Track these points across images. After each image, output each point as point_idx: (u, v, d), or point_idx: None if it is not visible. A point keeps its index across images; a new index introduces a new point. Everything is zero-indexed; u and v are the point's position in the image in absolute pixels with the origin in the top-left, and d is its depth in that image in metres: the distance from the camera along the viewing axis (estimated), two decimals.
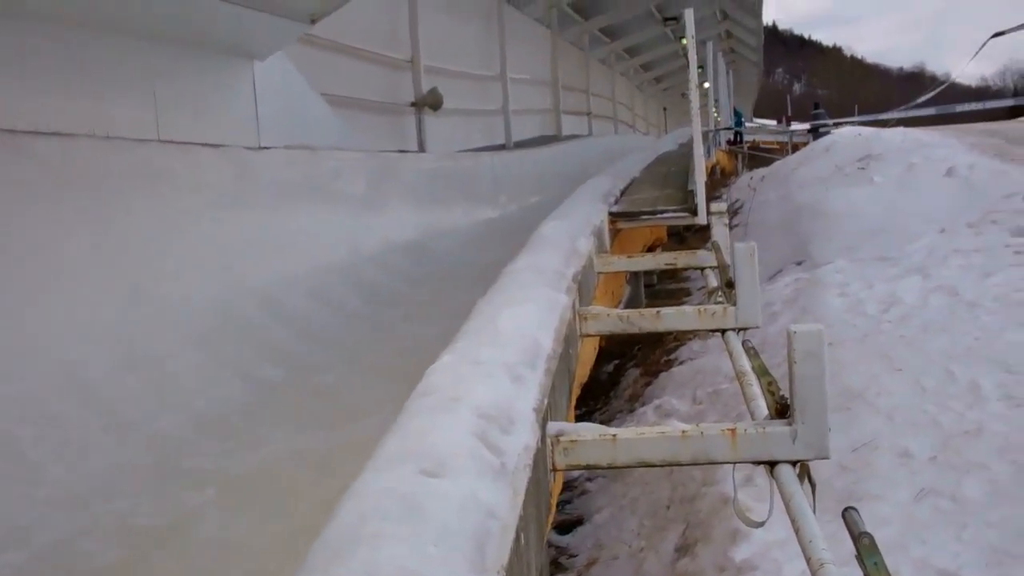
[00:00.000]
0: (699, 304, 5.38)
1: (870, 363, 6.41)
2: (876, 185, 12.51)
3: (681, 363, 8.35)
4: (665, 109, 48.18)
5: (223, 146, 6.44)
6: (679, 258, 6.79)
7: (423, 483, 1.91)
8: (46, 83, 5.03)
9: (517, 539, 1.96)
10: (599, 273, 6.45)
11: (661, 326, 4.82)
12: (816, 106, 32.76)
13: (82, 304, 4.84)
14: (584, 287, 5.29)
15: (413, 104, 11.65)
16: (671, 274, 12.82)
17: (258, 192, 6.75)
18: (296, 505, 3.72)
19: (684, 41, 8.32)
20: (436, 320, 5.61)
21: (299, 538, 1.86)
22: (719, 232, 6.82)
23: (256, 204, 6.68)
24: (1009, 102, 46.86)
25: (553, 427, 2.85)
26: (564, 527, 5.93)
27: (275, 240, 6.76)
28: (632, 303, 10.49)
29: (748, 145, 36.19)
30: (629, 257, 7.43)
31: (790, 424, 2.72)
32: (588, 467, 2.94)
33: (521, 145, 16.61)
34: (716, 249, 6.26)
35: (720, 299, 5.14)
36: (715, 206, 7.37)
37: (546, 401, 2.84)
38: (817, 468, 2.78)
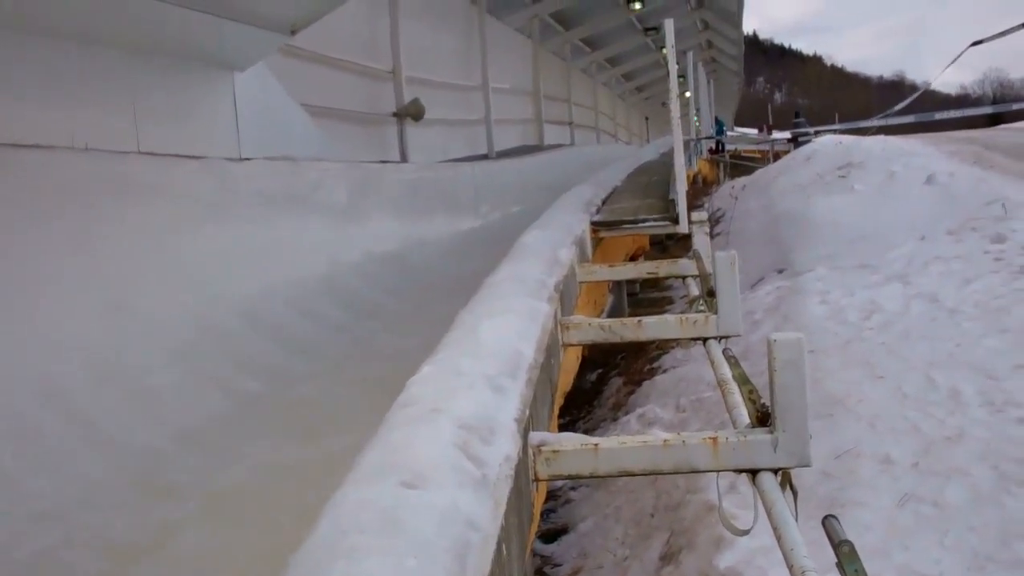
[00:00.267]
0: (681, 313, 5.39)
1: (852, 370, 6.43)
2: (857, 193, 12.57)
3: (664, 372, 8.35)
4: (647, 118, 48.29)
5: (203, 157, 6.41)
6: (661, 267, 6.80)
7: (403, 495, 1.90)
8: (24, 95, 5.00)
9: (499, 550, 1.96)
10: (581, 282, 6.45)
11: (643, 335, 4.82)
12: (797, 115, 32.83)
13: (61, 317, 4.80)
14: (566, 296, 5.28)
15: (395, 114, 11.64)
16: (654, 283, 12.85)
17: (239, 203, 6.72)
18: (276, 518, 3.70)
19: (665, 51, 8.33)
20: (417, 331, 5.60)
21: (279, 551, 1.85)
22: (700, 241, 6.84)
23: (237, 215, 6.66)
24: (988, 109, 47.15)
25: (535, 437, 2.85)
26: (548, 536, 5.92)
27: (256, 251, 6.73)
28: (615, 312, 10.50)
29: (730, 154, 36.33)
30: (611, 266, 7.43)
31: (771, 432, 2.72)
32: (570, 477, 2.94)
33: (503, 155, 16.62)
34: (697, 258, 6.27)
35: (702, 308, 5.14)
36: (696, 215, 7.39)
37: (528, 411, 2.83)
38: (800, 475, 2.79)
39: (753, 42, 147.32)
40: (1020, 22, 17.13)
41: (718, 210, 16.83)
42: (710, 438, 2.78)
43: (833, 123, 39.62)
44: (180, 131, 6.28)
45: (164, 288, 5.64)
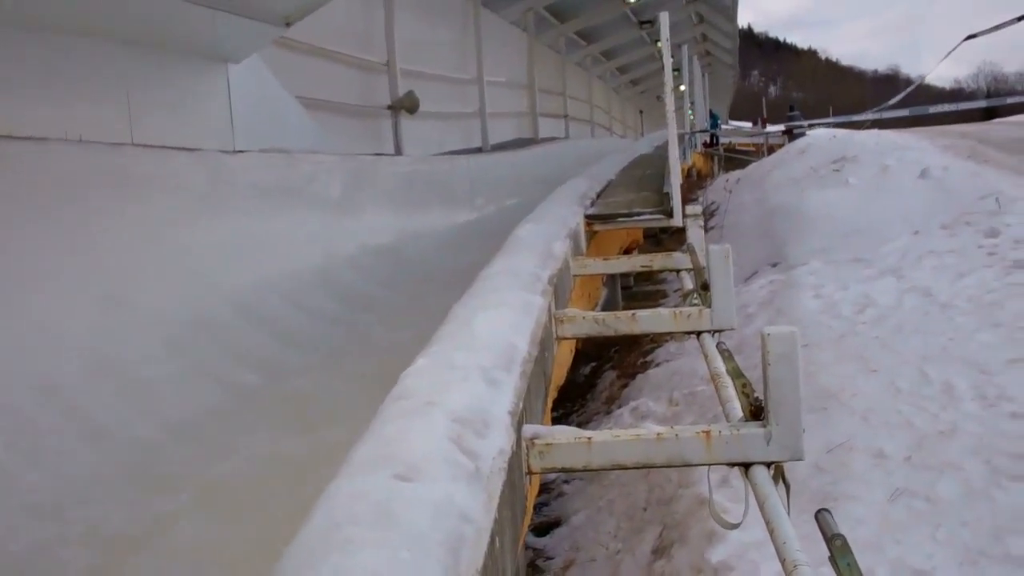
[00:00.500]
0: (675, 306, 5.39)
1: (845, 364, 6.44)
2: (851, 187, 12.59)
3: (657, 365, 8.36)
4: (641, 112, 48.25)
5: (198, 150, 6.41)
6: (655, 260, 6.80)
7: (396, 488, 1.90)
8: (19, 87, 4.99)
9: (492, 543, 1.96)
10: (575, 276, 6.46)
11: (637, 328, 4.82)
12: (791, 108, 32.94)
13: (55, 309, 4.80)
14: (560, 290, 5.29)
15: (389, 107, 11.62)
16: (648, 276, 12.85)
17: (233, 196, 6.72)
18: (270, 510, 3.70)
19: (660, 44, 8.33)
20: (411, 324, 5.60)
21: (273, 543, 1.85)
22: (695, 234, 6.84)
23: (231, 208, 6.65)
24: (982, 103, 47.21)
25: (528, 430, 2.85)
26: (541, 529, 5.92)
27: (250, 244, 6.72)
28: (609, 305, 10.50)
29: (724, 147, 36.35)
30: (605, 259, 7.43)
31: (764, 426, 2.73)
32: (563, 470, 2.94)
33: (498, 148, 16.61)
34: (691, 251, 6.28)
35: (695, 301, 5.15)
36: (691, 208, 7.40)
37: (521, 404, 2.84)
38: (792, 469, 2.79)
39: (748, 35, 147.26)
40: (1014, 16, 17.14)
41: (712, 204, 16.84)
42: (703, 432, 2.79)
43: (828, 117, 39.67)
44: (174, 123, 6.27)
45: (158, 280, 5.63)
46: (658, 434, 2.82)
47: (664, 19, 7.92)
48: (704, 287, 4.85)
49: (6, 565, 3.37)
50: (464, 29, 16.06)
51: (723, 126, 46.53)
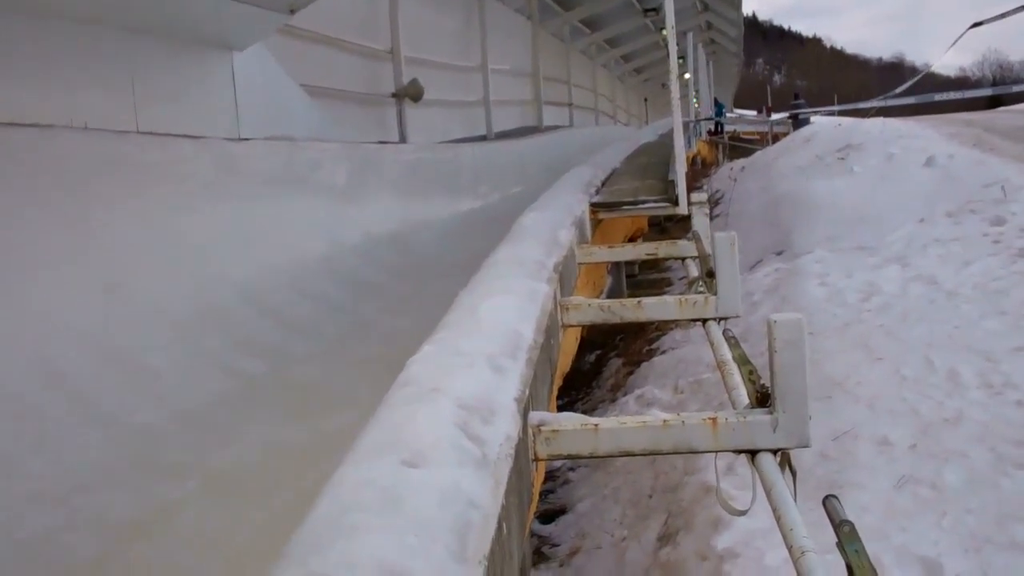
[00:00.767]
0: (680, 294, 5.39)
1: (850, 352, 6.44)
2: (856, 175, 12.57)
3: (663, 352, 8.37)
4: (646, 100, 48.17)
5: (202, 137, 6.40)
6: (660, 248, 6.79)
7: (403, 474, 1.90)
8: (23, 75, 4.98)
9: (499, 529, 1.96)
10: (580, 263, 6.45)
11: (643, 316, 4.81)
12: (796, 96, 32.87)
13: (59, 297, 4.80)
14: (565, 277, 5.28)
15: (394, 95, 11.59)
16: (652, 264, 12.85)
17: (238, 183, 6.71)
18: (277, 497, 3.71)
19: (664, 32, 8.30)
20: (417, 311, 5.60)
21: (279, 530, 1.85)
22: (700, 222, 6.82)
23: (236, 195, 6.64)
24: (988, 91, 47.06)
25: (535, 417, 2.85)
26: (547, 516, 5.93)
27: (255, 232, 6.71)
28: (614, 293, 10.50)
29: (729, 135, 36.30)
30: (610, 247, 7.43)
31: (771, 413, 2.73)
32: (570, 456, 2.94)
33: (502, 136, 16.57)
34: (697, 239, 6.27)
35: (701, 289, 5.15)
36: (696, 196, 7.38)
37: (527, 391, 2.83)
38: (798, 456, 2.79)
39: (752, 23, 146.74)
40: (1020, 4, 17.03)
41: (717, 192, 16.83)
42: (710, 418, 2.78)
43: (832, 105, 39.57)
44: (179, 111, 6.26)
45: (163, 268, 5.63)
46: (664, 421, 2.82)
47: (669, 6, 7.91)
48: (709, 274, 4.84)
49: (12, 553, 3.37)
50: (468, 17, 16.01)
51: (728, 114, 46.44)
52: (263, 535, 3.29)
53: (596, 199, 9.10)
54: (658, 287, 11.98)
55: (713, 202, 15.09)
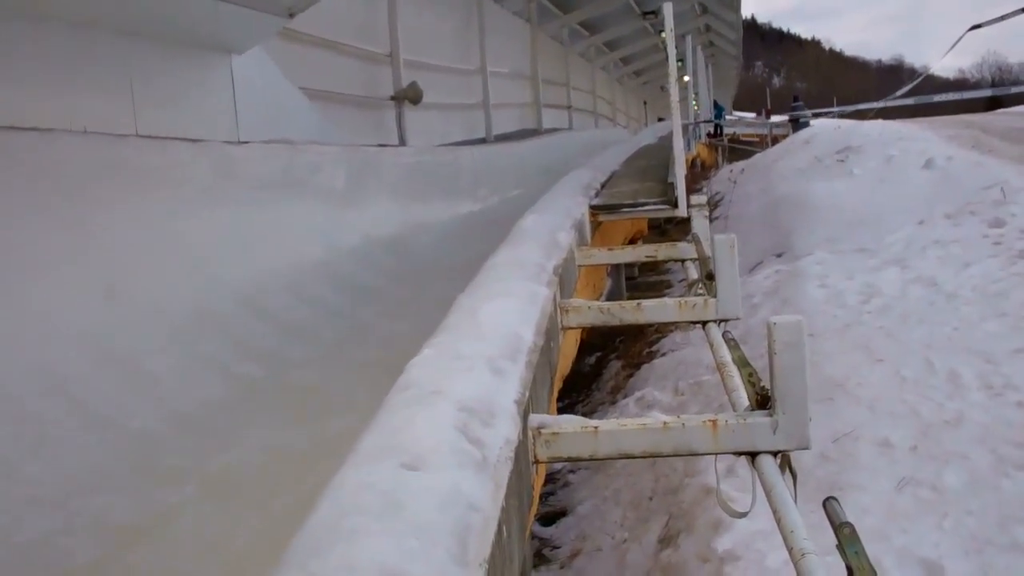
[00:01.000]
0: (680, 296, 5.38)
1: (850, 354, 6.44)
2: (855, 177, 12.58)
3: (663, 355, 8.36)
4: (645, 103, 48.19)
5: (202, 141, 6.39)
6: (660, 250, 6.78)
7: (403, 477, 1.89)
8: (22, 79, 4.98)
9: (499, 532, 1.95)
10: (580, 266, 6.44)
11: (642, 318, 4.81)
12: (795, 99, 32.84)
13: (57, 300, 4.79)
14: (565, 280, 5.28)
15: (393, 98, 11.59)
16: (652, 266, 12.86)
17: (237, 187, 6.70)
18: (276, 501, 3.70)
19: (663, 35, 8.30)
20: (416, 315, 5.59)
21: (279, 534, 1.85)
22: (699, 224, 6.81)
23: (235, 199, 6.63)
24: (987, 93, 47.10)
25: (535, 419, 2.85)
26: (547, 519, 5.93)
27: (254, 235, 6.71)
28: (613, 296, 10.50)
29: (728, 138, 36.30)
30: (610, 250, 7.42)
31: (771, 415, 2.72)
32: (570, 459, 2.94)
33: (502, 139, 16.57)
34: (696, 241, 6.26)
35: (701, 291, 5.14)
36: (695, 199, 7.37)
37: (527, 394, 2.83)
38: (799, 458, 2.79)
39: (751, 26, 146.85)
40: (1019, 7, 17.06)
41: (717, 194, 16.83)
42: (710, 421, 2.78)
43: (831, 107, 39.59)
44: (178, 115, 6.25)
45: (162, 271, 5.62)
46: (665, 423, 2.82)
47: (668, 10, 7.90)
48: (709, 277, 4.84)
49: (11, 556, 3.37)
50: (467, 20, 16.02)
51: (727, 116, 46.45)
52: (262, 539, 3.28)
53: (596, 201, 9.09)
54: (658, 289, 11.98)
55: (713, 204, 15.09)
